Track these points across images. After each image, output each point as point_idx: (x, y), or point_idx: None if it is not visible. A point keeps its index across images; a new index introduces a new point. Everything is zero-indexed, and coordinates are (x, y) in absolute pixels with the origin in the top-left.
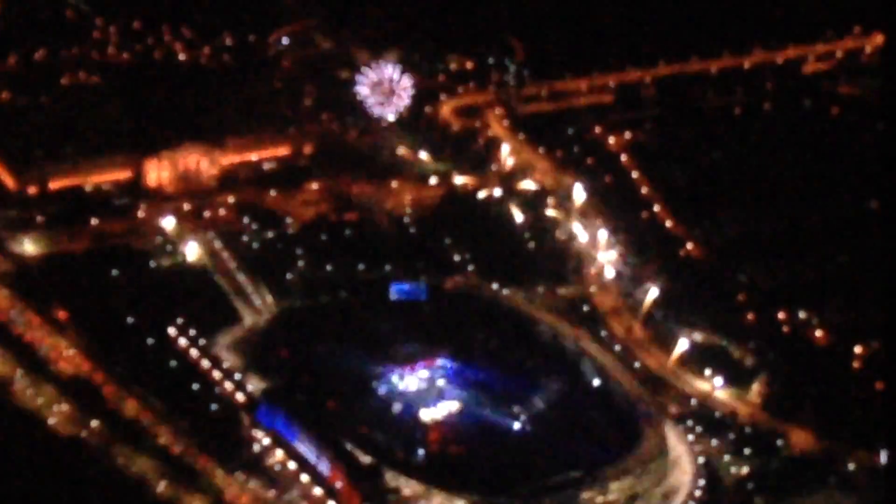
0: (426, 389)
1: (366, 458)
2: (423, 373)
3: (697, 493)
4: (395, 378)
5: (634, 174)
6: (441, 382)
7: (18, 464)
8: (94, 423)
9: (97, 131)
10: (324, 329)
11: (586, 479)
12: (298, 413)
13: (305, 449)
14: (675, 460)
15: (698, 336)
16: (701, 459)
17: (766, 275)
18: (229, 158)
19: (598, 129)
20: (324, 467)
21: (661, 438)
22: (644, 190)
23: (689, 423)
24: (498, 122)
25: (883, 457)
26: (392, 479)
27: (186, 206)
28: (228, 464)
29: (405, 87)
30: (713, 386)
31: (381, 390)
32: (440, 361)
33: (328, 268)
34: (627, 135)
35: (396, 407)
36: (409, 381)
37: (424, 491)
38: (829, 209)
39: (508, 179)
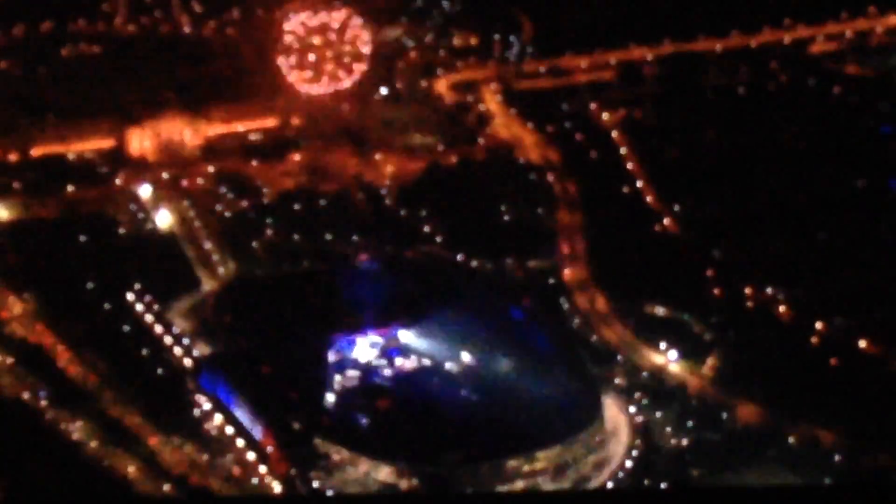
0: (378, 358)
1: (296, 424)
2: (376, 341)
3: (629, 463)
4: (346, 346)
5: (623, 150)
6: (394, 351)
7: None
8: (37, 385)
9: (85, 100)
10: (275, 296)
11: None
12: (236, 378)
13: (242, 414)
14: (613, 431)
15: (661, 310)
16: (640, 430)
17: (740, 251)
18: (214, 128)
19: (593, 106)
20: (257, 433)
21: (595, 408)
22: (630, 165)
23: (637, 394)
24: (492, 98)
25: None
26: (322, 445)
27: (165, 175)
28: (167, 428)
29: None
30: (668, 359)
31: (330, 357)
32: (394, 330)
33: (296, 237)
34: (621, 111)
35: (343, 374)
36: (361, 349)
37: (352, 457)
38: (818, 188)
39: (495, 153)
